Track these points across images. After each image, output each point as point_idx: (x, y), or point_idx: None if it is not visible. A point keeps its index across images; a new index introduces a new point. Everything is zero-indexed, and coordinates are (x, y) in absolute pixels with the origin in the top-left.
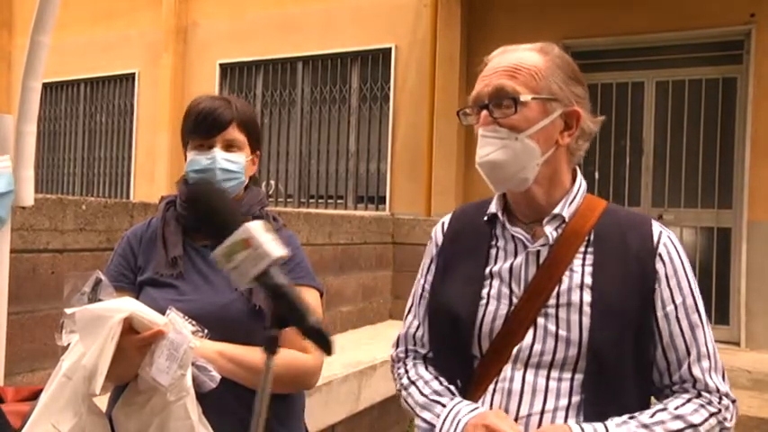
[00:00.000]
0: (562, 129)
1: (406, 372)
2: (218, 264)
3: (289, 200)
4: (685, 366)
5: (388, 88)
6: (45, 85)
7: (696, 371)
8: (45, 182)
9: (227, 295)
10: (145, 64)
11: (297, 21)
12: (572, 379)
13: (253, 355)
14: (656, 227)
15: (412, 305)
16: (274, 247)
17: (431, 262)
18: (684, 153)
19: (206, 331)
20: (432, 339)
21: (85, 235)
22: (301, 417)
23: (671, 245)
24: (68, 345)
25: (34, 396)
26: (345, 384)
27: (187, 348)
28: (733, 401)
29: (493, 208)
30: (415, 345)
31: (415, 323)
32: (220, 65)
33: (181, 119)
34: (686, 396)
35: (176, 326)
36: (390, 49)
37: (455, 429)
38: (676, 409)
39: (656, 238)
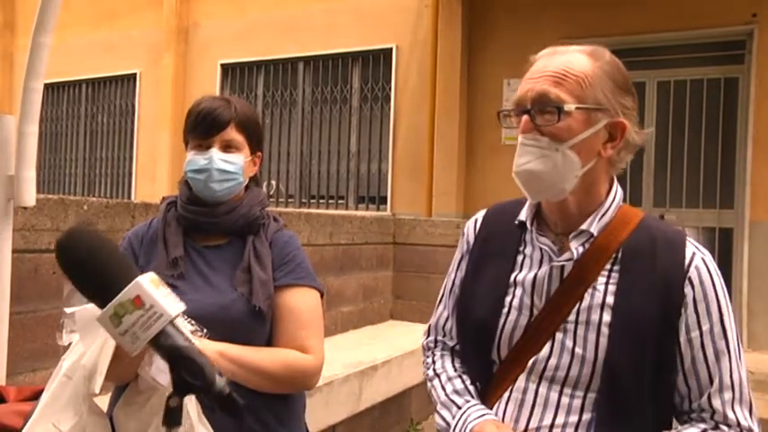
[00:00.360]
0: (605, 140)
1: (434, 362)
2: (105, 328)
3: (290, 200)
4: (706, 396)
5: (390, 88)
6: (47, 86)
7: (716, 402)
8: (47, 182)
9: (227, 296)
10: (146, 64)
11: (298, 21)
12: (584, 397)
13: (253, 355)
14: (690, 247)
15: (443, 296)
16: (170, 304)
17: (461, 259)
18: (686, 153)
19: (205, 331)
20: (458, 335)
21: None
22: (302, 417)
23: (704, 268)
24: (69, 344)
25: (36, 396)
26: (346, 385)
27: None
28: None
29: (523, 215)
30: (444, 336)
31: (445, 314)
32: (221, 65)
33: (182, 119)
34: (702, 426)
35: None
36: (391, 49)
37: (462, 430)
38: None
39: (687, 260)
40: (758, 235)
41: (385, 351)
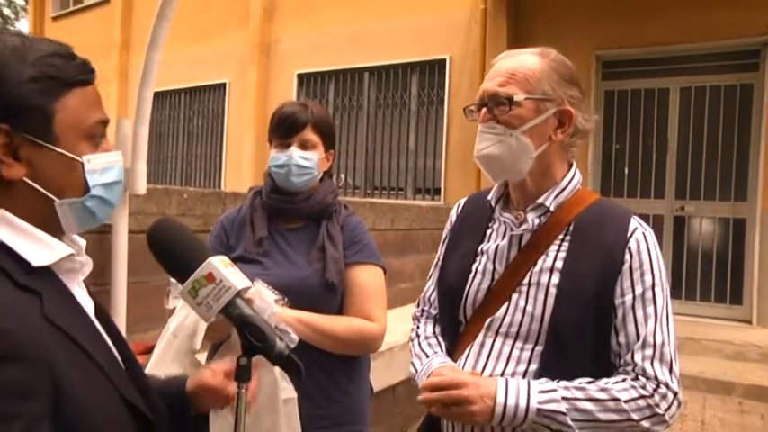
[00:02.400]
0: (555, 126)
1: (417, 327)
2: (185, 300)
3: (356, 191)
4: (630, 352)
5: (443, 94)
6: (153, 94)
7: (638, 357)
8: (152, 175)
9: (304, 271)
10: (234, 75)
11: (364, 36)
12: (532, 350)
13: (326, 321)
14: (634, 222)
15: (431, 272)
16: (237, 279)
17: (446, 237)
18: (705, 151)
19: (286, 299)
20: (438, 303)
21: (186, 219)
22: (367, 376)
23: (642, 240)
24: (174, 309)
25: (148, 350)
26: (404, 351)
27: (270, 313)
28: (674, 393)
29: (491, 196)
30: (429, 306)
31: (432, 287)
32: (298, 75)
33: (264, 121)
34: (623, 377)
35: (262, 294)
36: (445, 60)
37: (425, 374)
38: (606, 383)
39: (629, 233)
40: None
41: None
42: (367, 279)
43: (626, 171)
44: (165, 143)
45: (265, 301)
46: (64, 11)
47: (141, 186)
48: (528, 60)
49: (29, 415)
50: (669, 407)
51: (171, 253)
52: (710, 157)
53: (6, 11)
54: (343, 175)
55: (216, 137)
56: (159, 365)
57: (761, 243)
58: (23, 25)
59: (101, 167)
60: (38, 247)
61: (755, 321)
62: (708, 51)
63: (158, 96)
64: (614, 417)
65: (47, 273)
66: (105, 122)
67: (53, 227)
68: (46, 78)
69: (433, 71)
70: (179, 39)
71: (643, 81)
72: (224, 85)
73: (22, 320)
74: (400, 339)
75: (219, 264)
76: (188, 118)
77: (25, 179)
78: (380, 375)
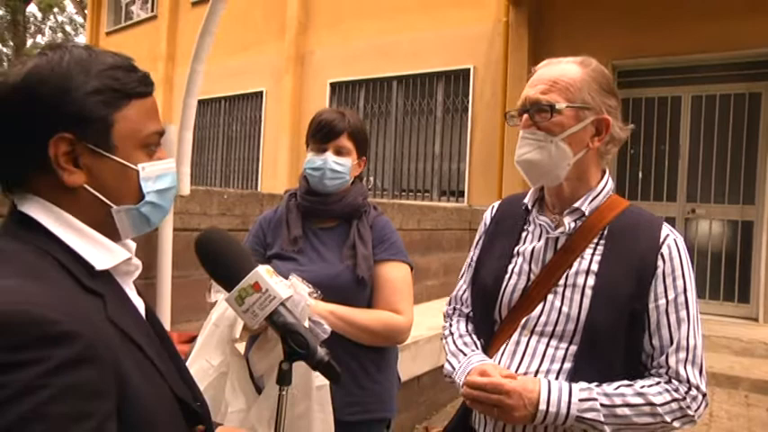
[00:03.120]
0: (593, 134)
1: (450, 325)
2: (231, 307)
3: (384, 193)
4: (665, 355)
5: (468, 102)
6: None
7: (672, 360)
8: (194, 177)
9: (336, 267)
10: (270, 84)
11: (392, 47)
12: (566, 349)
13: (357, 314)
14: (666, 229)
15: (464, 272)
16: (282, 289)
17: (480, 238)
18: (715, 157)
19: (319, 293)
20: (471, 302)
21: (227, 218)
22: (395, 366)
23: (674, 246)
24: (215, 301)
25: (191, 339)
26: (429, 344)
27: (305, 306)
28: (703, 395)
29: (527, 199)
30: (461, 305)
31: (464, 287)
32: (330, 83)
33: (298, 127)
34: (656, 379)
35: (297, 288)
36: (469, 69)
37: (464, 371)
38: (642, 387)
39: (662, 239)
40: None
41: None
42: (395, 275)
43: (640, 175)
44: (206, 147)
45: (300, 294)
46: (116, 26)
47: (185, 188)
48: (569, 69)
49: (101, 413)
50: (698, 407)
51: (218, 260)
52: (720, 162)
53: (68, 27)
54: (372, 178)
55: (253, 141)
56: (203, 352)
57: None
58: (81, 40)
59: (155, 175)
60: (100, 251)
61: (762, 319)
62: (718, 62)
63: (200, 104)
64: (649, 420)
65: (107, 276)
66: (161, 133)
67: (110, 231)
68: (108, 90)
69: (457, 80)
70: (220, 51)
71: (657, 90)
72: (261, 93)
73: (91, 323)
74: (426, 333)
75: (265, 273)
76: (227, 124)
77: (85, 186)
78: (407, 366)
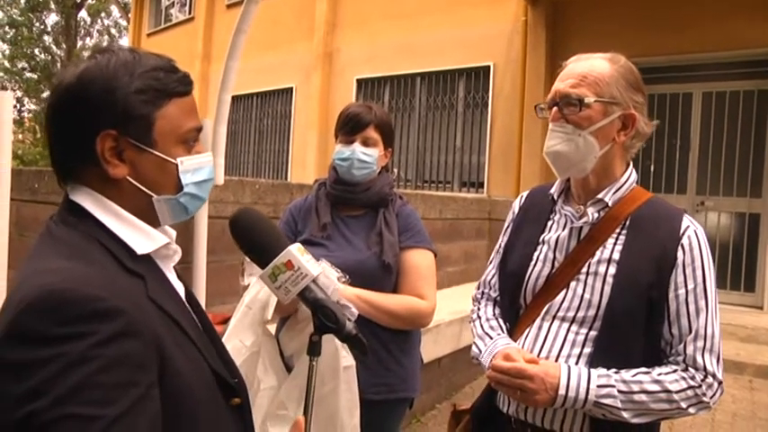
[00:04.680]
0: (619, 128)
1: (478, 309)
2: (265, 283)
3: (408, 183)
4: (683, 343)
5: (488, 97)
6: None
7: (690, 348)
8: (228, 168)
9: (364, 253)
10: (300, 80)
11: (416, 45)
12: (587, 334)
13: (382, 298)
14: (686, 221)
15: (493, 258)
16: (313, 267)
17: (508, 226)
18: (724, 151)
19: (347, 277)
20: (499, 286)
21: (259, 207)
22: (418, 348)
23: (695, 238)
24: (248, 285)
25: (225, 321)
26: (450, 327)
27: (333, 289)
28: (719, 383)
29: (553, 189)
30: (489, 289)
31: (492, 272)
32: (357, 80)
33: (326, 122)
34: (674, 367)
35: (326, 272)
36: (489, 66)
37: (490, 354)
38: (659, 375)
39: (682, 231)
40: None
41: None
42: (419, 261)
43: (652, 168)
44: (238, 140)
45: (329, 279)
46: (156, 28)
47: (219, 178)
48: (599, 65)
49: (145, 383)
50: (714, 394)
51: (253, 238)
52: (729, 157)
53: (113, 30)
54: (396, 170)
55: (283, 135)
56: (236, 333)
57: None
58: (124, 41)
59: (193, 168)
60: (140, 237)
61: (767, 307)
62: (728, 60)
63: (234, 99)
64: (665, 406)
65: (147, 259)
66: (199, 129)
67: (151, 218)
68: (150, 90)
69: (478, 77)
70: (252, 49)
71: (668, 86)
72: (291, 89)
73: (133, 301)
74: (447, 317)
75: (297, 252)
76: (259, 118)
77: (128, 178)
78: (428, 349)
